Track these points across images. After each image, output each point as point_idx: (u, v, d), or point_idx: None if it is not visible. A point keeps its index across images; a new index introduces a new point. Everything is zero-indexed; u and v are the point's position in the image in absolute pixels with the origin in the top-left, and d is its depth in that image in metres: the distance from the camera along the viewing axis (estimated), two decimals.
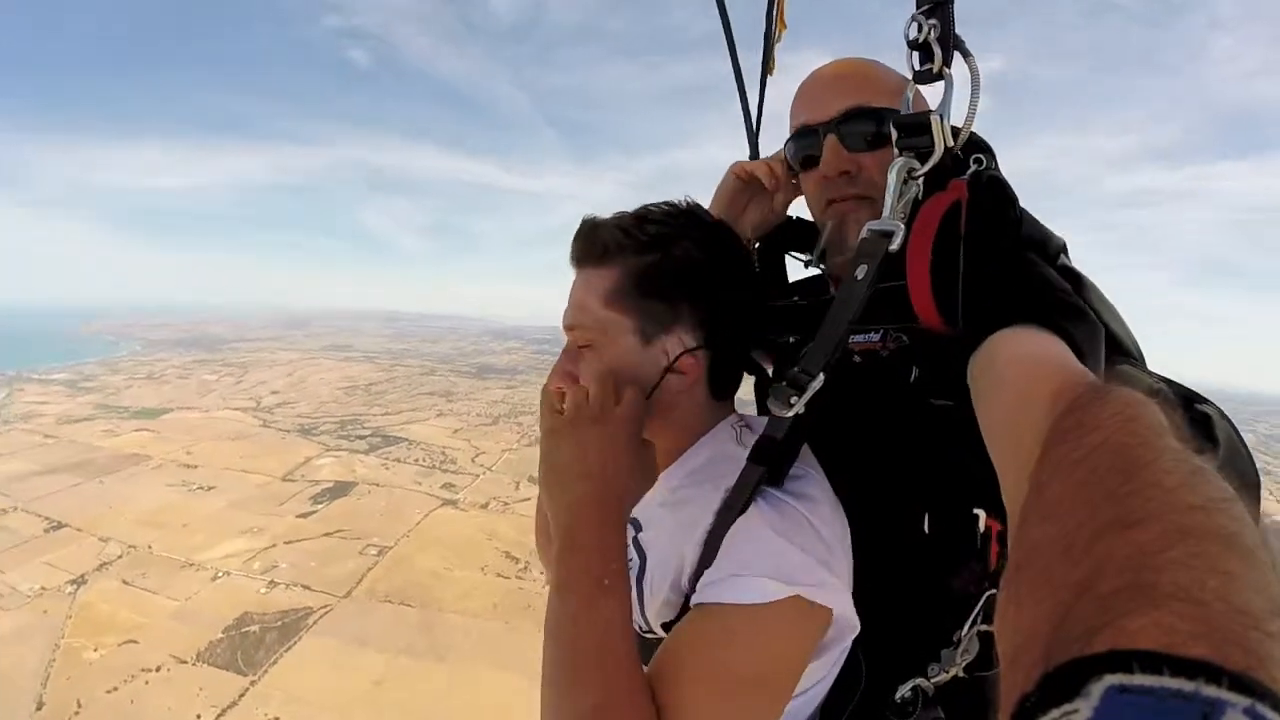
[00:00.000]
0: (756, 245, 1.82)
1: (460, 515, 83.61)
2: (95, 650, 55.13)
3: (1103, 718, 0.34)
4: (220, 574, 67.09)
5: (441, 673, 50.38)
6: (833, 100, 1.52)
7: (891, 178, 1.27)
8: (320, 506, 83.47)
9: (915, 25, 1.27)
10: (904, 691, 1.41)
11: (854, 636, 1.26)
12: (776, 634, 1.11)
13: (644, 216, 1.36)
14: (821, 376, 1.19)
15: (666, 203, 1.41)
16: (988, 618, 1.38)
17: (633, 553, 1.40)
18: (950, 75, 1.28)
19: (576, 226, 1.40)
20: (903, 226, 1.23)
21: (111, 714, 49.04)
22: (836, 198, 1.55)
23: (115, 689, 51.25)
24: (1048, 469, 0.65)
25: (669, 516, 1.36)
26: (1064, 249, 1.38)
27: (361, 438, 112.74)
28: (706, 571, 1.18)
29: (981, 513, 1.41)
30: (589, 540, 1.13)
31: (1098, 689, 0.35)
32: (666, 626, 1.28)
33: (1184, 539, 0.46)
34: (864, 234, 1.26)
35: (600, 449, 1.21)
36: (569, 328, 1.39)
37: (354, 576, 67.54)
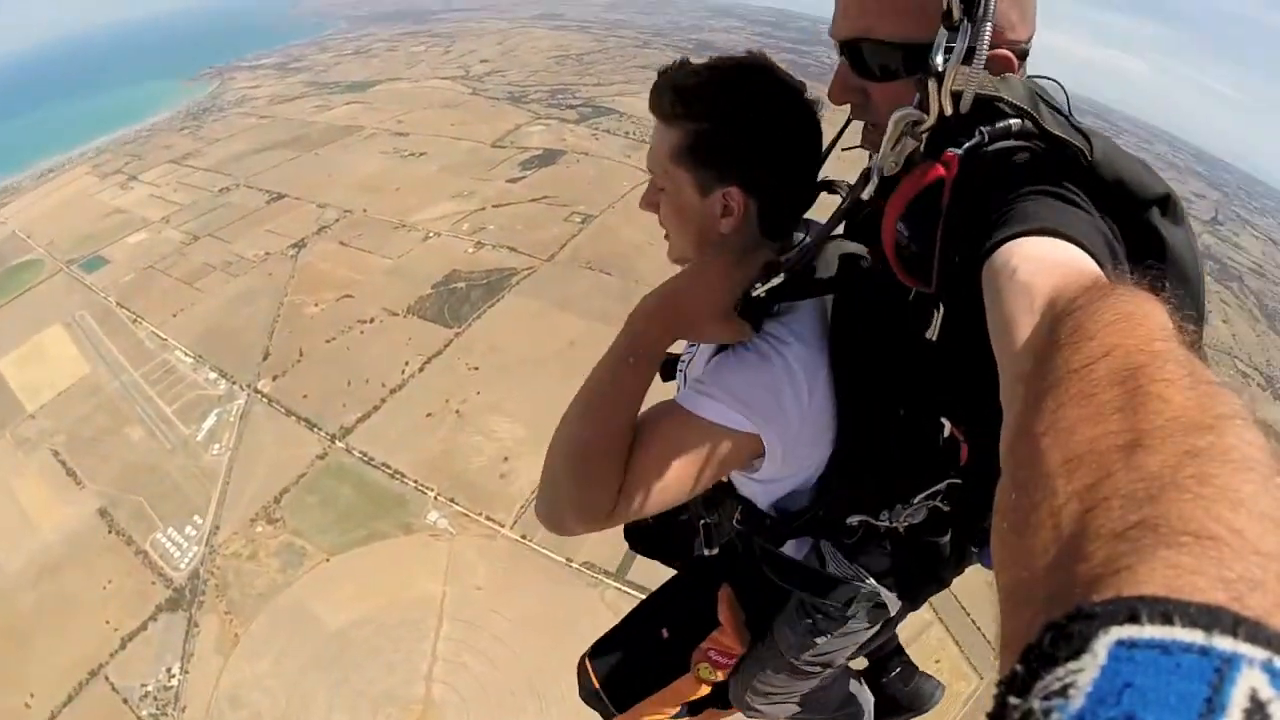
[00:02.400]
0: None
1: None
2: (315, 305, 58.93)
3: (1109, 678, 0.31)
4: (431, 234, 68.80)
5: None
6: (845, 17, 1.37)
7: (890, 126, 1.24)
8: (529, 173, 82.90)
9: None
10: (853, 520, 1.74)
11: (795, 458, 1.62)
12: (671, 422, 1.52)
13: (704, 83, 1.55)
14: (782, 276, 1.48)
15: (737, 60, 1.60)
16: (945, 500, 1.67)
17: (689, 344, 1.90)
18: (968, 27, 1.12)
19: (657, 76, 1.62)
20: (877, 177, 1.30)
21: (329, 361, 52.65)
22: (861, 121, 1.52)
23: (333, 339, 54.89)
24: (1046, 377, 0.61)
25: None
26: (1161, 200, 1.19)
27: (572, 107, 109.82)
28: (698, 378, 1.60)
29: (946, 422, 1.57)
30: (644, 329, 1.51)
31: (1103, 644, 0.32)
32: None
33: (1193, 463, 0.43)
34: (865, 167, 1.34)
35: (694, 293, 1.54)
36: (649, 170, 1.68)
37: (558, 241, 67.40)
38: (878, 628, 2.03)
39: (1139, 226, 1.15)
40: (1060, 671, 0.33)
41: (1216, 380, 0.52)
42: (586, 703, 2.37)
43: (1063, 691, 0.32)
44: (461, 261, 63.39)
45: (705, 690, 2.27)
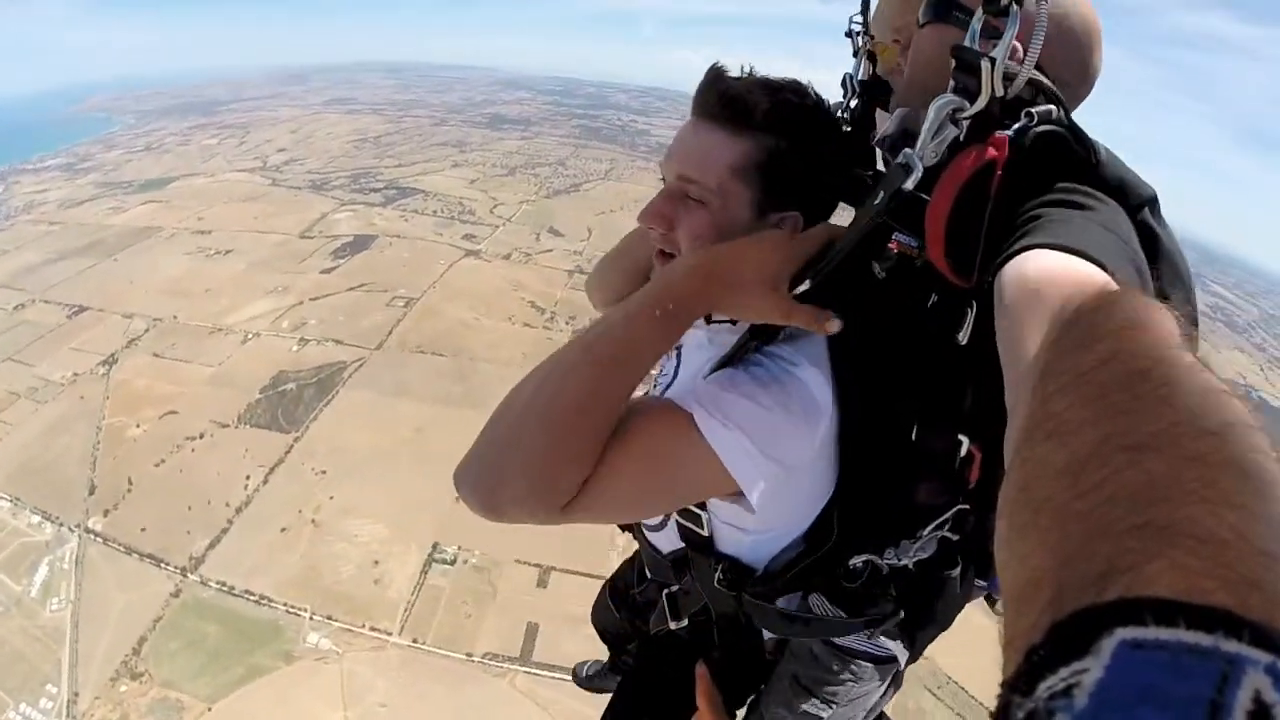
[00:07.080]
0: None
1: (484, 266, 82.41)
2: (138, 426, 54.64)
3: (1114, 678, 0.31)
4: (250, 336, 66.42)
5: (479, 420, 50.59)
6: None
7: (931, 113, 1.17)
8: (342, 261, 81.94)
9: None
10: (856, 562, 1.60)
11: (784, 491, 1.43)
12: (666, 426, 1.32)
13: (780, 100, 1.42)
14: (807, 283, 1.36)
15: (796, 83, 1.47)
16: (953, 529, 1.60)
17: (671, 357, 1.74)
18: (1018, 12, 1.12)
19: (708, 76, 1.45)
20: (921, 167, 1.17)
21: (163, 487, 48.88)
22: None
23: (162, 461, 51.05)
24: (1053, 381, 0.61)
25: (705, 349, 1.61)
26: (1151, 202, 1.24)
27: (376, 190, 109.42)
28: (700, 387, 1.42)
29: (965, 439, 1.42)
30: (681, 281, 1.33)
31: (1109, 645, 0.33)
32: None
33: (1199, 467, 0.44)
34: (895, 161, 1.21)
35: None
36: (683, 178, 1.45)
37: (384, 329, 67.08)
38: (886, 686, 1.93)
39: (1136, 225, 1.17)
40: (1064, 671, 0.33)
41: (1222, 387, 0.52)
42: None
43: (1067, 691, 0.32)
44: (287, 361, 61.46)
45: None
